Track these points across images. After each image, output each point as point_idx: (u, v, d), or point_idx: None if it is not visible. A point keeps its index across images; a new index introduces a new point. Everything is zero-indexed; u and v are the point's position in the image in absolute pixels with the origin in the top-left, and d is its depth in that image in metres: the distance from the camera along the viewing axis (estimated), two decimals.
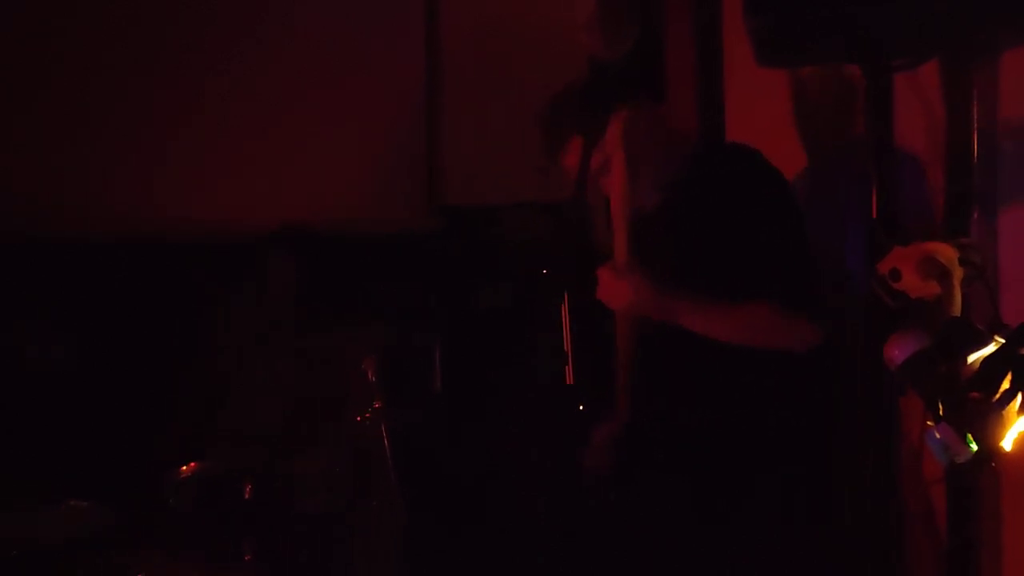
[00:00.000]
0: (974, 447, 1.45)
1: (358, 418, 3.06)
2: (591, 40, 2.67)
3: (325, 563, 2.85)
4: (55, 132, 3.43)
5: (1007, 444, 1.45)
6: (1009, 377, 1.44)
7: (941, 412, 1.49)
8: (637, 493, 2.16)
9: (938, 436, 1.47)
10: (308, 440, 3.03)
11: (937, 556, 2.07)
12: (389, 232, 3.67)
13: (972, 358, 1.51)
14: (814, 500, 2.03)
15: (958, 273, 1.71)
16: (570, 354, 2.61)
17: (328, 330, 3.19)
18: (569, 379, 2.62)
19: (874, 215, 1.92)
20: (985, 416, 1.44)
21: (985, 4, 1.74)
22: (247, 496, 2.78)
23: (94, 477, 2.86)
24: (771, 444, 2.00)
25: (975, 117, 1.91)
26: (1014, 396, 1.43)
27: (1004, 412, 1.44)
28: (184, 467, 2.77)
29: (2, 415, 2.96)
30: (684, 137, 2.35)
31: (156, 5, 3.57)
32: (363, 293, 3.44)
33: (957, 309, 1.69)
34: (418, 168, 3.82)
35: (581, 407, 2.61)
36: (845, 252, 2.19)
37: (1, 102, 3.37)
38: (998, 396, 1.43)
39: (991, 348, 1.50)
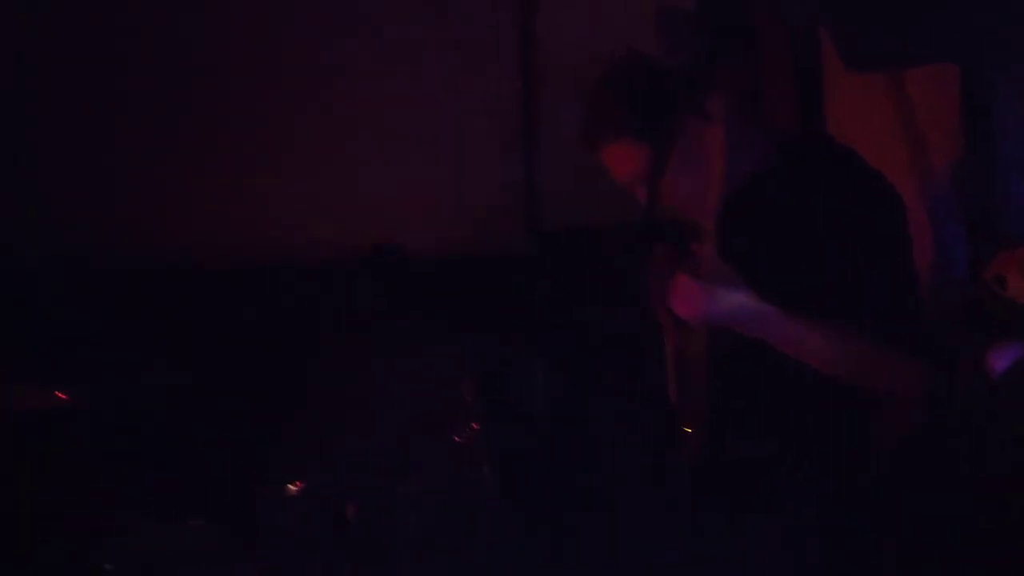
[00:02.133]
0: None
1: (457, 439, 3.09)
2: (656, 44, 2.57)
3: None
4: (168, 166, 3.60)
5: None
6: None
7: None
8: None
9: None
10: (409, 462, 3.06)
11: None
12: (487, 256, 3.70)
13: None
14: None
15: None
16: (675, 376, 2.55)
17: (429, 352, 3.22)
18: (671, 400, 2.57)
19: (976, 219, 1.82)
20: None
21: None
22: (349, 517, 2.84)
23: (205, 496, 2.96)
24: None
25: None
26: None
27: None
28: (290, 486, 2.86)
29: (121, 438, 3.10)
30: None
31: (259, 41, 3.70)
32: (462, 316, 3.47)
33: None
34: (515, 192, 3.84)
35: (688, 429, 2.55)
36: (946, 259, 2.09)
37: (124, 138, 3.55)
38: None
39: None
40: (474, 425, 3.14)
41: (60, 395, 2.90)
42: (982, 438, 1.76)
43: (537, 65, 3.84)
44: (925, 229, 2.09)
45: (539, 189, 3.84)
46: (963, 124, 1.95)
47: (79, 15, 3.58)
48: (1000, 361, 1.57)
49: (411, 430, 3.09)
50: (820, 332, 1.71)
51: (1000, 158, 1.90)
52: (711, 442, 1.92)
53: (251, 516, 2.81)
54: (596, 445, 3.43)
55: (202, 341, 3.40)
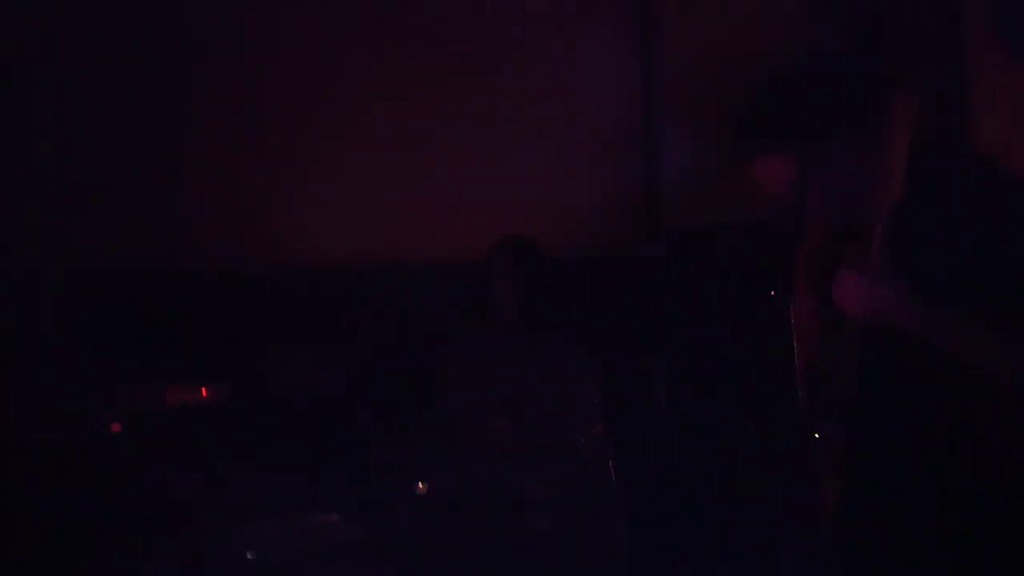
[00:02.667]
0: None
1: (583, 439, 3.12)
2: (812, 28, 2.48)
3: None
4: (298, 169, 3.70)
5: None
6: None
7: None
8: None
9: None
10: (535, 461, 3.08)
11: None
12: (610, 256, 3.69)
13: None
14: None
15: None
16: (801, 377, 2.51)
17: (554, 354, 3.25)
18: (802, 404, 2.52)
19: None
20: None
21: None
22: (476, 514, 2.90)
23: (339, 493, 3.05)
24: None
25: None
26: None
27: None
28: (420, 484, 2.93)
29: (264, 437, 3.22)
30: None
31: (379, 35, 3.75)
32: (585, 316, 3.48)
33: None
34: (637, 192, 3.83)
35: (816, 435, 2.50)
36: None
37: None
38: None
39: None
40: (598, 426, 3.16)
41: (203, 392, 3.04)
42: None
43: (659, 64, 3.82)
44: None
45: (661, 189, 3.82)
46: None
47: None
48: None
49: (537, 431, 3.12)
50: (982, 334, 1.67)
51: None
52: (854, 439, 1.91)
53: (382, 513, 2.90)
54: (719, 446, 3.40)
55: (337, 341, 3.49)
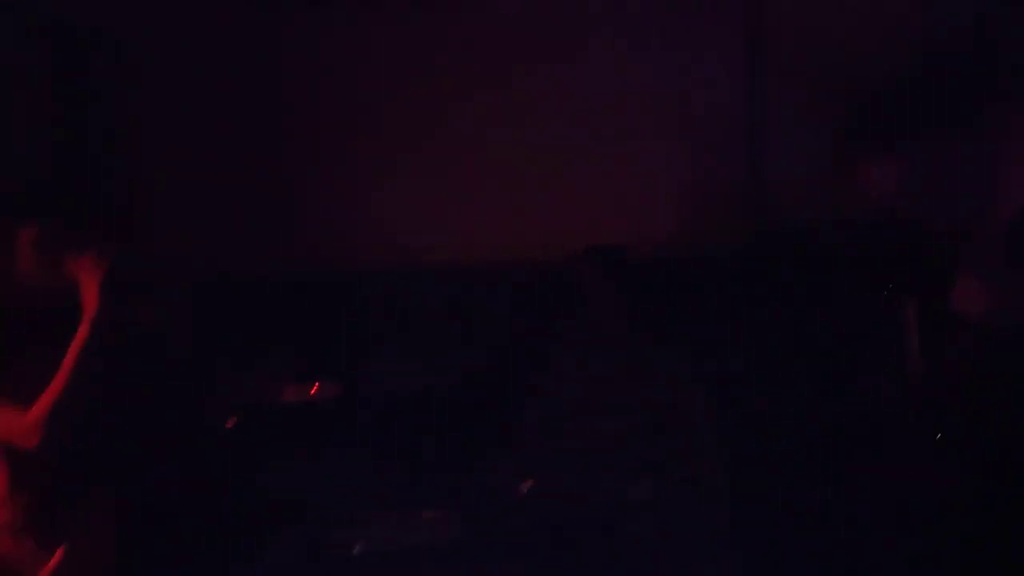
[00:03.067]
0: None
1: (685, 441, 3.09)
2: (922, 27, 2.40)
3: None
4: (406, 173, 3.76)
5: None
6: None
7: None
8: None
9: None
10: (638, 464, 3.07)
11: None
12: (712, 254, 3.66)
13: None
14: None
15: None
16: (921, 378, 2.44)
17: (655, 354, 3.23)
18: (917, 404, 2.46)
19: None
20: None
21: None
22: (579, 514, 2.90)
23: (446, 489, 3.10)
24: None
25: None
26: None
27: None
28: (523, 485, 2.95)
29: (366, 434, 3.29)
30: None
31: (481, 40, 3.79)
32: (687, 315, 3.45)
33: None
34: (740, 188, 3.78)
35: (939, 435, 2.42)
36: None
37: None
38: None
39: None
40: (702, 428, 3.13)
41: (314, 388, 3.13)
42: None
43: (763, 60, 3.76)
44: None
45: (765, 187, 3.76)
46: None
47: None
48: None
49: (640, 431, 3.10)
50: None
51: None
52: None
53: (488, 511, 2.93)
54: (827, 446, 3.32)
55: (435, 341, 3.55)
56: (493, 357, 3.53)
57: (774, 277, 3.58)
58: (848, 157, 2.00)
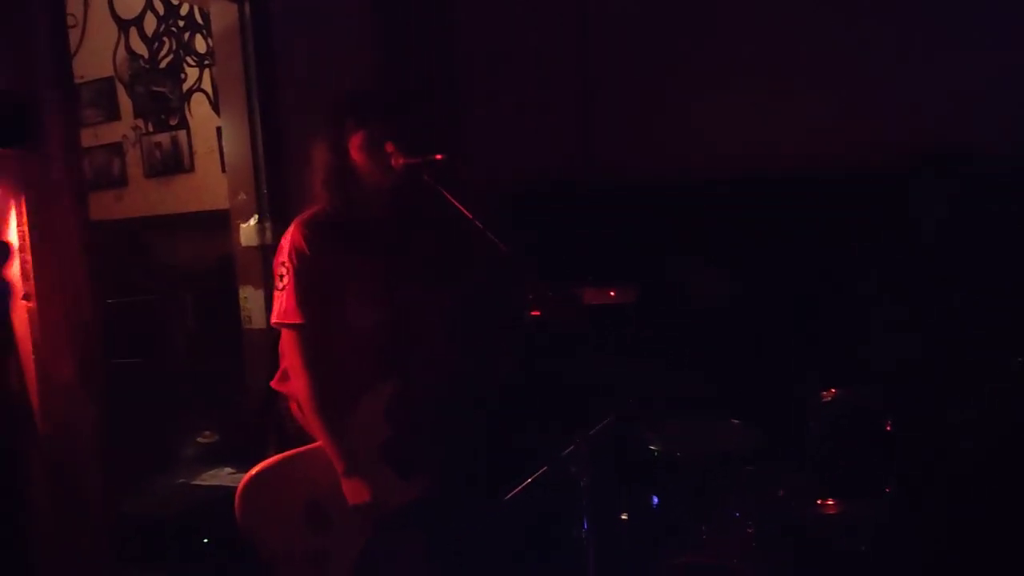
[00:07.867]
0: None
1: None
2: None
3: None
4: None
5: None
6: None
7: None
8: None
9: None
10: (958, 387, 2.84)
11: None
12: None
13: None
14: None
15: None
16: None
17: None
18: None
19: None
20: None
21: None
22: (887, 430, 2.73)
23: (747, 400, 3.04)
24: None
25: None
26: None
27: None
28: (825, 393, 2.83)
29: (672, 344, 3.31)
30: None
31: None
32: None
33: None
34: None
35: None
36: None
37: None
38: None
39: None
40: None
41: (612, 293, 3.17)
42: None
43: None
44: None
45: None
46: None
47: None
48: None
49: (960, 354, 2.85)
50: None
51: None
52: None
53: (789, 420, 2.84)
54: None
55: (752, 252, 3.43)
56: (799, 273, 3.38)
57: None
58: None
